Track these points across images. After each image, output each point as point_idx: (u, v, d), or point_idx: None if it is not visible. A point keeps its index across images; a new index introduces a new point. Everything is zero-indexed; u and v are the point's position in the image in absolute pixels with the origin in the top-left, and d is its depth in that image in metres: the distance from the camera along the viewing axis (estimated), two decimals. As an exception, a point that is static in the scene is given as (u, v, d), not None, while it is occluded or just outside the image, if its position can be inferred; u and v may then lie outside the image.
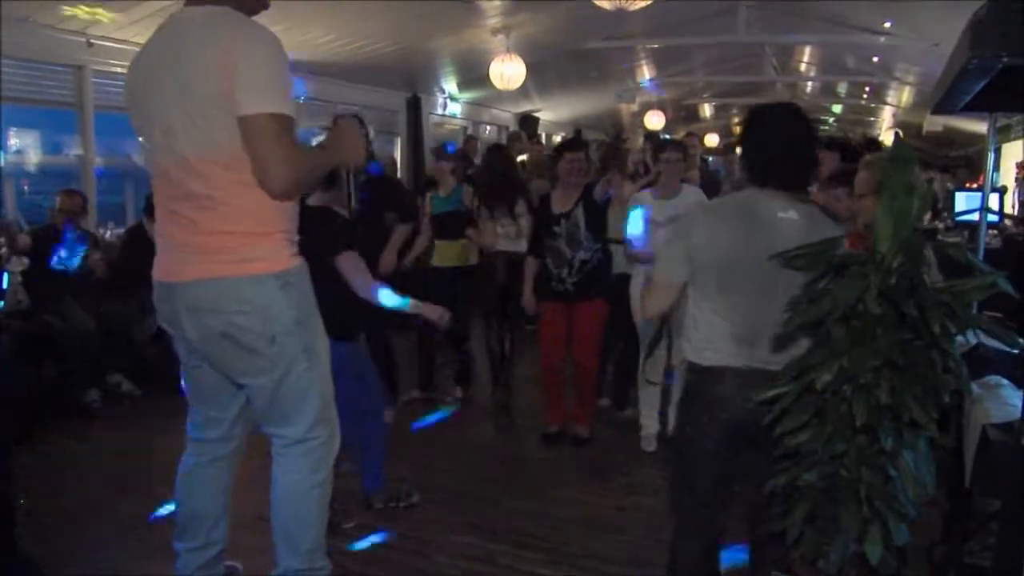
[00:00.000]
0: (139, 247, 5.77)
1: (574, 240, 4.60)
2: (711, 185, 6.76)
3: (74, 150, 6.46)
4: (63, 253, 5.36)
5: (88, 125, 6.35)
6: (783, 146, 2.35)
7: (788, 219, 2.30)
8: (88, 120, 6.34)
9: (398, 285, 3.50)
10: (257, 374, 2.29)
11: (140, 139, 2.33)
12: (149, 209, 5.86)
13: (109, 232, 6.56)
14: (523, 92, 10.51)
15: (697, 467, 2.50)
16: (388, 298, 3.31)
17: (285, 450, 2.43)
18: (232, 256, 2.20)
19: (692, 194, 4.60)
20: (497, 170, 5.40)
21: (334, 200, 3.49)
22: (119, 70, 6.47)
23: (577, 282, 4.61)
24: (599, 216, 4.64)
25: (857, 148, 4.54)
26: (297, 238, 2.37)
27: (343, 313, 3.42)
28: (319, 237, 3.32)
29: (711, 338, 2.39)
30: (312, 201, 3.51)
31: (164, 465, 4.31)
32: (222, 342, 2.25)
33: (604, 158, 5.81)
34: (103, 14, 5.55)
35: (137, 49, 6.35)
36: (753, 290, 2.30)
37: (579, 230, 4.59)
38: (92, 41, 6.05)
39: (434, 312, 3.39)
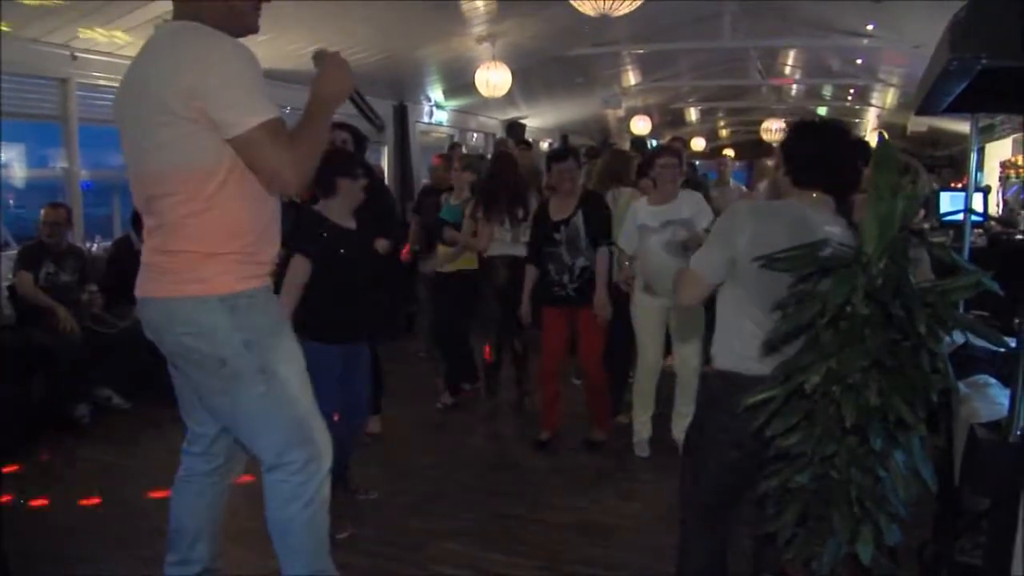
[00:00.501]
0: (126, 261, 5.76)
1: (574, 246, 4.62)
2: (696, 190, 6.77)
3: (59, 163, 6.43)
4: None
5: (73, 138, 6.32)
6: (832, 151, 2.38)
7: (832, 233, 2.27)
8: (73, 133, 6.31)
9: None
10: (213, 394, 2.29)
11: (124, 156, 2.32)
12: (136, 221, 5.84)
13: (96, 245, 6.53)
14: (509, 99, 10.54)
15: (715, 472, 2.50)
16: None
17: (266, 476, 2.39)
18: (179, 276, 2.19)
19: (688, 198, 4.57)
20: (504, 176, 5.38)
21: (332, 209, 3.51)
22: (104, 83, 6.46)
23: (579, 287, 4.63)
24: (600, 222, 4.67)
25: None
26: (265, 259, 2.33)
27: (328, 315, 3.47)
28: (291, 234, 3.37)
29: (748, 348, 2.35)
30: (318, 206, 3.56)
31: (154, 479, 4.32)
32: (179, 360, 2.29)
33: (610, 165, 5.73)
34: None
35: (121, 62, 6.32)
36: (772, 294, 2.22)
37: (579, 236, 4.61)
38: (76, 54, 6.04)
39: None
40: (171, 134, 2.10)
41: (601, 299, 4.59)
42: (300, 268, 3.38)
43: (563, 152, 5.15)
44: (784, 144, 2.54)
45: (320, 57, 2.33)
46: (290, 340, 2.37)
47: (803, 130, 2.49)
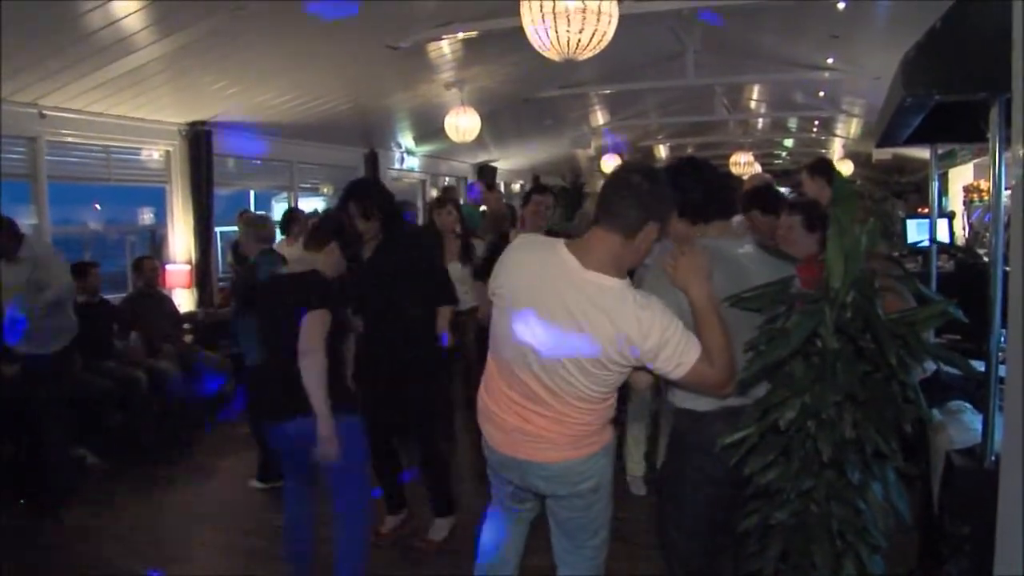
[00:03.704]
0: (94, 315, 5.71)
1: None
2: None
3: (29, 220, 6.38)
4: None
5: (43, 195, 6.30)
6: (709, 184, 2.52)
7: (746, 254, 2.41)
8: (42, 191, 6.29)
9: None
10: (573, 510, 2.58)
11: (513, 334, 2.42)
12: (78, 271, 5.75)
13: (68, 303, 6.46)
14: (480, 143, 10.61)
15: (692, 512, 2.50)
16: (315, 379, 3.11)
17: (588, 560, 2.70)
18: (578, 443, 2.46)
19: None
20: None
21: (318, 263, 3.38)
22: (72, 140, 6.46)
23: None
24: None
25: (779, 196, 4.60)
26: None
27: (343, 379, 3.35)
28: (294, 300, 3.18)
29: None
30: (296, 267, 3.41)
31: (130, 542, 4.24)
32: (564, 499, 2.57)
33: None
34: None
35: (90, 119, 6.21)
36: (742, 332, 2.29)
37: None
38: (45, 112, 6.03)
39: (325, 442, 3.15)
40: (597, 368, 2.32)
41: None
42: (325, 323, 3.17)
43: (543, 187, 5.34)
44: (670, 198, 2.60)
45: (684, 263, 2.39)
46: None
47: (671, 177, 2.54)
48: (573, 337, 2.28)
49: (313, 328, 3.12)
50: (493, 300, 2.49)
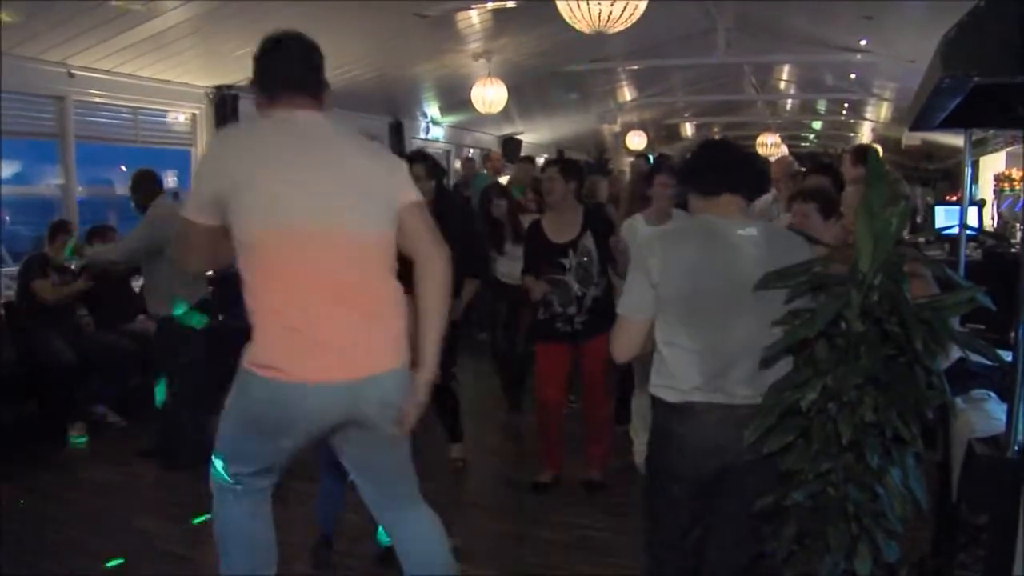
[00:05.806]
0: (119, 282, 5.77)
1: (587, 275, 4.14)
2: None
3: (56, 180, 6.43)
4: None
5: (70, 155, 6.33)
6: (722, 155, 2.50)
7: (748, 235, 2.29)
8: (70, 150, 6.31)
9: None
10: (394, 446, 2.42)
11: (268, 232, 2.20)
12: (97, 234, 5.80)
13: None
14: (505, 115, 10.55)
15: (667, 507, 2.44)
16: None
17: (415, 514, 2.56)
18: (399, 348, 2.31)
19: (681, 219, 4.29)
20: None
21: None
22: (100, 100, 6.48)
23: (587, 321, 4.15)
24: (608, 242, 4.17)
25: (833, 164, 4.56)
26: None
27: None
28: None
29: (677, 373, 2.30)
30: None
31: (147, 498, 4.30)
32: (378, 424, 2.32)
33: (637, 186, 5.15)
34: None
35: (118, 80, 6.20)
36: (719, 317, 2.25)
37: (593, 264, 4.15)
38: (73, 72, 6.05)
39: None
40: (378, 212, 2.30)
41: None
42: None
43: (555, 160, 5.29)
44: (684, 168, 2.68)
45: None
46: None
47: (694, 150, 2.61)
48: (335, 169, 2.28)
49: None
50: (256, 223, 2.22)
